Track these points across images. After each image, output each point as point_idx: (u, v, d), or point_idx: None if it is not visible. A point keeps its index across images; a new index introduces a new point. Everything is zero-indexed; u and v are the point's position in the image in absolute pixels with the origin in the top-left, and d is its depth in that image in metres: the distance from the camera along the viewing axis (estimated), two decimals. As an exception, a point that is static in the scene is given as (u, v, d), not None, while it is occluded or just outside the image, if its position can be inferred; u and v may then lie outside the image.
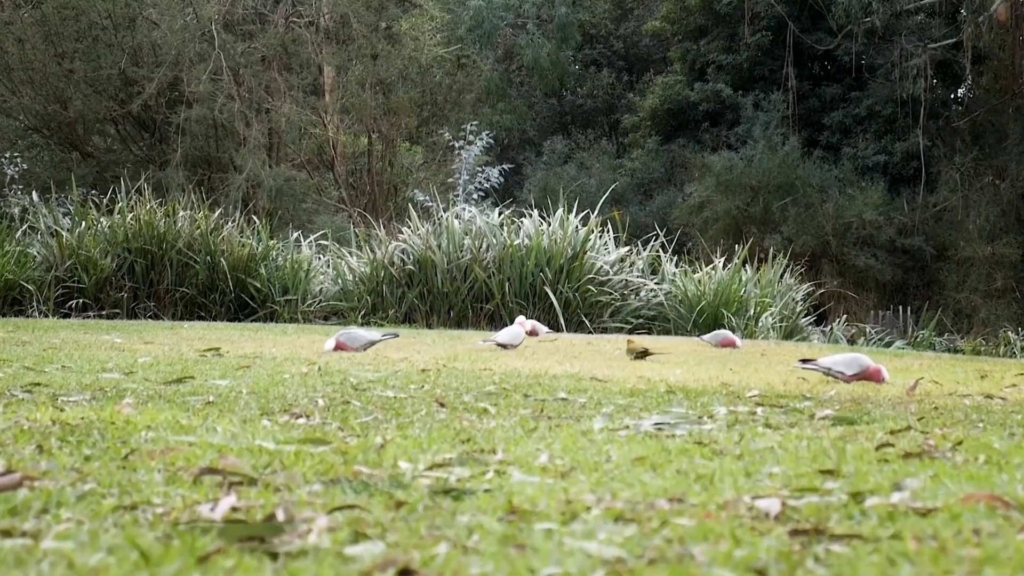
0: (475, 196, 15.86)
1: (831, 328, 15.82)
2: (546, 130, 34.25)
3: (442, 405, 3.99)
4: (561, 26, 32.18)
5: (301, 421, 3.40)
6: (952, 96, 30.60)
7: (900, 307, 23.22)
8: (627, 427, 3.50)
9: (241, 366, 5.39)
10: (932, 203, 27.27)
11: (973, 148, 27.88)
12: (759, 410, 4.13)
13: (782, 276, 13.61)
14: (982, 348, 17.68)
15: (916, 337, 17.96)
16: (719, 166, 26.68)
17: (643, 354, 7.06)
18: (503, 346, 7.43)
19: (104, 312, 11.78)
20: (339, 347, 6.62)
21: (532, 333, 8.13)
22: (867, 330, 17.89)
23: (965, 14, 28.26)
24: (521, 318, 8.25)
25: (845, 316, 17.95)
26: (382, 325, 11.67)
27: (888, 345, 15.93)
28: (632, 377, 5.47)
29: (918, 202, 27.09)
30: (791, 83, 29.11)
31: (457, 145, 16.60)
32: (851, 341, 16.22)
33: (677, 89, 30.70)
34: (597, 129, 34.22)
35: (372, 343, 6.79)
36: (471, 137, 16.63)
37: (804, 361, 5.74)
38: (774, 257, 13.72)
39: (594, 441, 3.06)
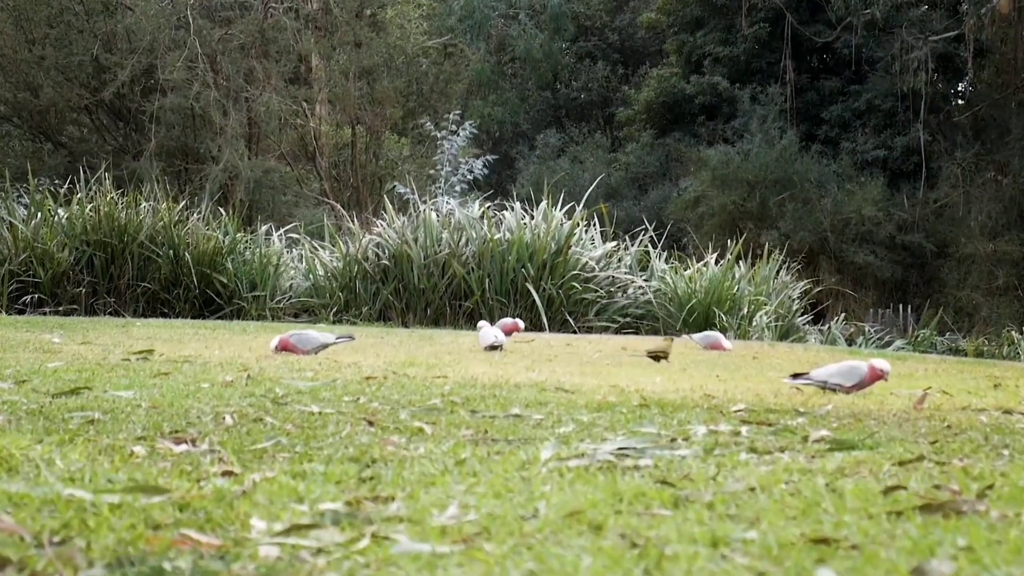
0: (458, 188, 15.20)
1: (829, 327, 15.20)
2: (539, 123, 33.61)
3: (371, 424, 3.38)
4: (554, 16, 31.51)
5: (181, 448, 2.79)
6: (953, 90, 29.99)
7: (900, 305, 22.63)
8: (582, 454, 2.90)
9: (161, 372, 4.77)
10: (933, 199, 26.68)
11: (974, 143, 27.29)
12: (744, 429, 3.52)
13: (777, 273, 12.98)
14: (985, 348, 17.10)
15: (917, 336, 17.38)
16: (715, 160, 26.07)
17: (660, 356, 6.53)
18: (496, 347, 6.88)
19: (61, 308, 11.14)
20: (286, 348, 6.00)
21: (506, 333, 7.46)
22: (866, 329, 17.31)
23: (967, 6, 27.65)
24: (483, 323, 7.65)
25: (844, 315, 17.32)
26: (355, 323, 11.05)
27: (887, 345, 15.36)
28: (604, 387, 4.85)
29: (918, 198, 26.50)
30: (789, 76, 28.50)
31: (439, 135, 15.92)
32: (850, 341, 15.62)
33: (673, 82, 30.08)
34: (591, 123, 33.60)
35: (324, 346, 6.18)
36: (454, 127, 15.95)
37: (795, 376, 5.11)
38: (770, 253, 13.09)
39: (530, 480, 2.44)
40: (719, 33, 29.62)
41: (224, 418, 3.40)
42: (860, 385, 4.98)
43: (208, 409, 3.61)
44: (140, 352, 5.84)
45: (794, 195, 25.68)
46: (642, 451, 3.02)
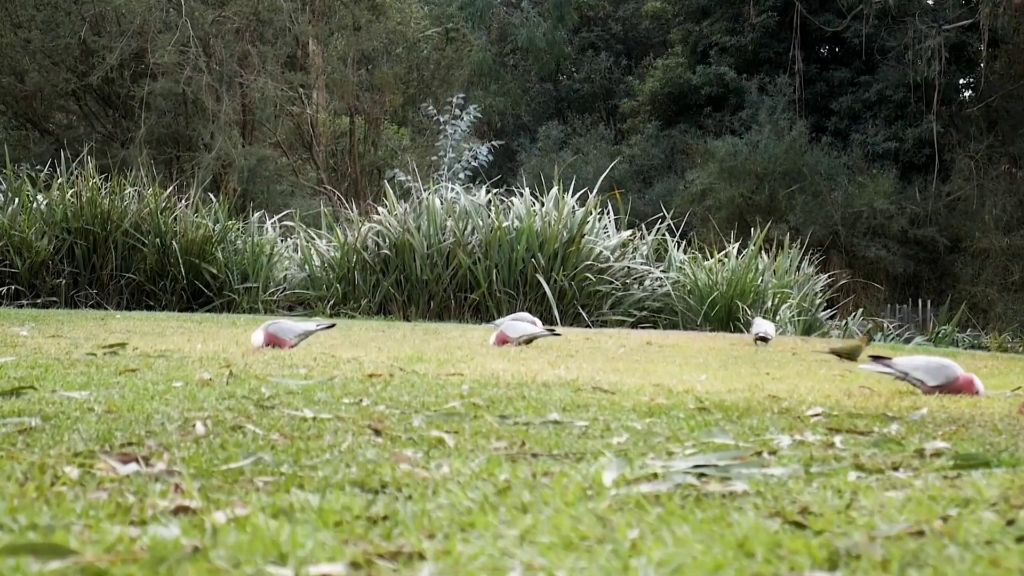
0: (461, 175, 14.46)
1: (846, 322, 14.55)
2: (541, 115, 32.90)
3: (377, 433, 2.71)
4: (557, 5, 30.75)
5: (127, 469, 2.10)
6: (965, 81, 29.30)
7: (912, 300, 21.99)
8: (654, 475, 2.22)
9: (128, 369, 4.07)
10: (945, 192, 26.01)
11: (988, 135, 26.63)
12: (836, 440, 2.84)
13: (799, 266, 12.28)
14: (1008, 344, 16.46)
15: (937, 332, 16.72)
16: (722, 152, 25.38)
17: (849, 355, 5.98)
18: (530, 339, 6.29)
19: (39, 300, 10.41)
20: (271, 342, 5.31)
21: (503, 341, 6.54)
22: (884, 324, 16.67)
23: (981, -6, 26.99)
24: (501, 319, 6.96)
25: (861, 310, 16.66)
26: (353, 316, 10.35)
27: (908, 340, 14.71)
28: (647, 386, 4.16)
29: (931, 191, 25.84)
30: (798, 66, 27.80)
31: (442, 120, 15.18)
32: (868, 336, 14.99)
33: (678, 72, 29.37)
34: (594, 114, 32.87)
35: (306, 334, 5.52)
36: (457, 111, 15.21)
37: (876, 358, 4.46)
38: (789, 245, 12.40)
39: (606, 520, 1.75)
40: (726, 22, 28.92)
41: (194, 425, 2.72)
42: (944, 388, 4.32)
43: (176, 414, 2.92)
44: (111, 346, 5.14)
45: (804, 188, 25.01)
46: (726, 470, 2.36)
